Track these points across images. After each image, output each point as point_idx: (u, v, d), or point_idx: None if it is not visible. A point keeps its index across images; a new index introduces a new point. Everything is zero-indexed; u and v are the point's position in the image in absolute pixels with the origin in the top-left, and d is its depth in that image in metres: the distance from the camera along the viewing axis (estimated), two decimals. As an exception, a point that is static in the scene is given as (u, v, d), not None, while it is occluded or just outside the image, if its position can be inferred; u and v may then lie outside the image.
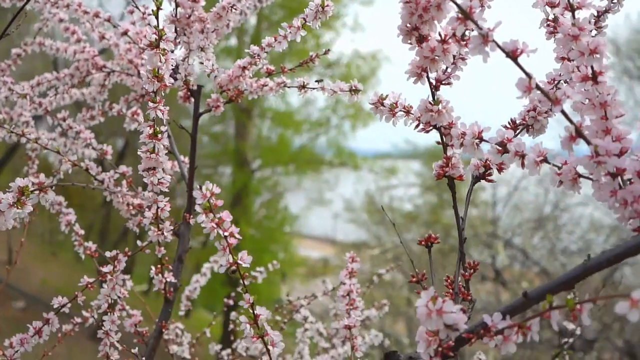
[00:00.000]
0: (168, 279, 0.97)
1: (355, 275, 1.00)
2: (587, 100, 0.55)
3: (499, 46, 0.50)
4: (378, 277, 1.68)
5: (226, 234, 0.62)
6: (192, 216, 0.99)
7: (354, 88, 0.84)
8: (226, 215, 0.63)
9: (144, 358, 0.94)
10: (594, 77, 0.54)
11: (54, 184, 0.70)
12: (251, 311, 0.65)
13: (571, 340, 1.10)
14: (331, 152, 11.63)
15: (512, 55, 0.51)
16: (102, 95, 1.20)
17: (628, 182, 0.53)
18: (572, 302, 0.45)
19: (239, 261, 0.63)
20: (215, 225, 0.62)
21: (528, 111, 0.69)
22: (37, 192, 0.66)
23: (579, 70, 0.55)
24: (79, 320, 1.13)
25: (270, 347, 0.65)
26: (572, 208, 7.54)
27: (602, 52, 0.53)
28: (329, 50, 1.00)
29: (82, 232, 1.10)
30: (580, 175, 0.55)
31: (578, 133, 0.52)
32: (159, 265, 0.96)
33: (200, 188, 0.61)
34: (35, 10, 1.25)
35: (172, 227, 0.92)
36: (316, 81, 0.88)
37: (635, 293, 0.40)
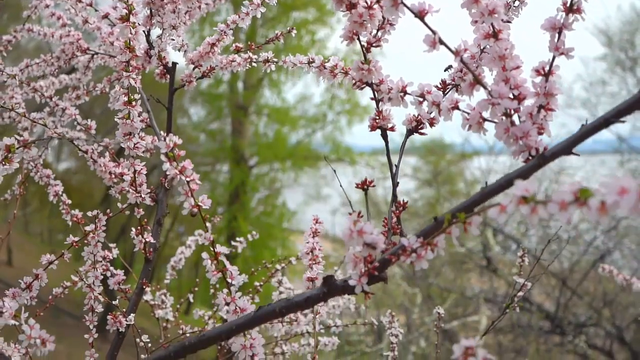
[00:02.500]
0: (147, 240, 1.06)
1: (319, 235, 1.09)
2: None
3: (407, 7, 0.60)
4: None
5: (188, 179, 0.71)
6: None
7: (310, 60, 0.93)
8: (188, 164, 0.72)
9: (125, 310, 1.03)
10: (495, 35, 0.63)
11: (36, 140, 0.79)
12: (212, 249, 0.74)
13: (521, 294, 1.19)
14: (328, 148, 11.72)
15: (420, 15, 0.60)
16: (87, 76, 1.29)
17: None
18: (463, 215, 0.54)
19: (199, 203, 0.72)
20: (178, 172, 0.71)
21: (456, 72, 0.78)
22: (21, 148, 0.75)
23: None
24: (68, 283, 1.23)
25: (229, 280, 0.74)
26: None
27: (500, 12, 0.62)
28: (293, 28, 1.09)
29: (69, 201, 1.19)
30: (484, 119, 0.64)
31: (476, 80, 0.61)
32: (138, 227, 1.06)
33: (165, 140, 0.70)
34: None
35: (149, 190, 1.01)
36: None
37: (504, 199, 0.49)
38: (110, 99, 1.29)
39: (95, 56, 1.29)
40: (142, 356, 1.03)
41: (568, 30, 0.61)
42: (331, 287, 0.66)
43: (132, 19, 0.81)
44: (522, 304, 1.18)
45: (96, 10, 1.19)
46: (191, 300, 1.49)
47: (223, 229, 10.42)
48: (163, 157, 0.71)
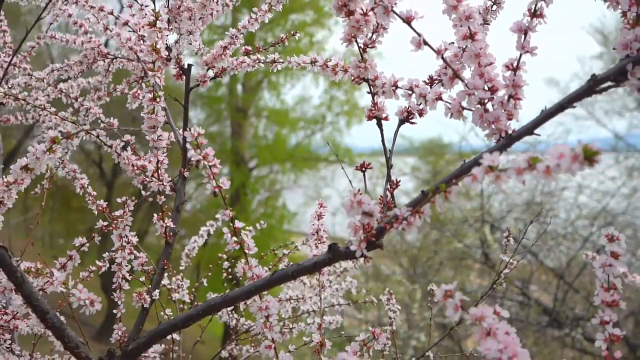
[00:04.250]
0: (168, 224, 1.18)
1: (323, 217, 1.21)
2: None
3: (397, 14, 0.71)
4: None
5: (211, 164, 0.83)
6: (187, 170, 1.19)
7: (313, 60, 1.04)
8: (210, 151, 0.84)
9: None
10: (471, 36, 0.75)
11: (79, 131, 0.91)
12: (231, 224, 0.86)
13: (507, 271, 1.30)
14: (327, 149, 11.83)
15: (407, 20, 0.71)
16: (107, 78, 1.40)
17: (497, 111, 0.74)
18: (444, 186, 0.66)
19: (220, 184, 0.84)
20: (202, 158, 0.83)
21: (441, 69, 0.89)
22: (65, 139, 0.87)
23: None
24: (93, 268, 1.34)
25: (246, 251, 0.86)
26: (560, 194, 7.78)
27: (475, 17, 0.74)
28: (296, 32, 1.21)
29: (94, 193, 1.30)
30: (463, 108, 0.75)
31: (455, 75, 0.73)
32: (160, 213, 1.17)
33: (190, 129, 0.82)
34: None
35: (170, 179, 1.12)
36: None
37: (475, 170, 0.60)
38: (129, 100, 1.41)
39: (114, 60, 1.41)
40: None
41: (532, 32, 0.72)
42: (335, 253, 0.78)
43: (158, 24, 0.92)
44: (508, 280, 1.29)
45: (117, 18, 1.31)
46: (205, 284, 1.60)
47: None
48: (188, 145, 0.82)
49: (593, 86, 0.65)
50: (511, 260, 1.30)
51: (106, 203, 1.26)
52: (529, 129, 0.68)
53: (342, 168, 1.01)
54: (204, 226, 1.67)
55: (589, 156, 0.48)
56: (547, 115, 0.67)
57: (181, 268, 1.60)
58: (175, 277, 1.50)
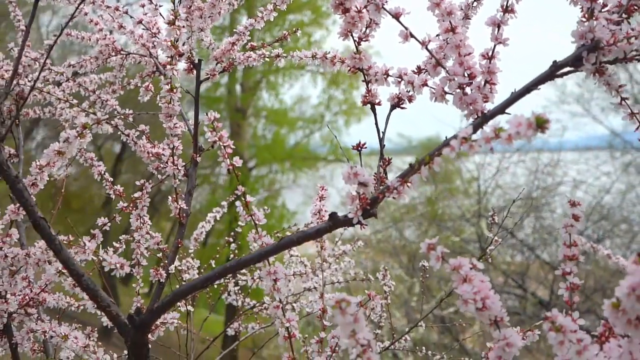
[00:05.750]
0: (182, 206, 1.29)
1: (325, 199, 1.32)
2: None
3: (387, 11, 0.82)
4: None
5: (225, 144, 0.94)
6: (198, 156, 1.30)
7: (314, 54, 1.15)
8: (224, 133, 0.94)
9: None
10: (452, 29, 0.86)
11: (102, 119, 1.01)
12: (244, 199, 0.97)
13: (492, 248, 1.41)
14: (326, 149, 11.95)
15: (396, 16, 0.82)
16: (121, 73, 1.51)
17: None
18: (429, 157, 0.77)
19: (234, 162, 0.95)
20: (217, 139, 0.94)
21: (427, 59, 1.00)
22: (95, 125, 0.98)
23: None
24: (111, 249, 1.45)
25: (257, 222, 0.97)
26: (556, 188, 7.92)
27: (456, 13, 0.85)
28: (297, 29, 1.32)
29: (111, 179, 1.41)
30: (445, 92, 0.86)
31: (437, 63, 0.84)
32: (174, 195, 1.28)
33: (207, 114, 0.93)
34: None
35: (184, 164, 1.23)
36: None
37: (452, 141, 0.71)
38: (141, 93, 1.52)
39: (128, 55, 1.52)
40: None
41: (505, 25, 0.83)
42: (335, 221, 0.88)
43: (177, 22, 1.03)
44: (493, 256, 1.40)
45: (131, 17, 1.41)
46: (213, 266, 1.71)
47: (224, 231, 10.66)
48: (205, 128, 0.93)
49: (554, 71, 0.76)
50: (496, 238, 1.41)
51: (122, 188, 1.37)
52: (501, 109, 0.79)
53: (344, 154, 1.11)
54: (210, 212, 1.78)
55: (540, 124, 0.59)
56: (516, 96, 0.78)
57: (190, 251, 1.71)
58: (186, 259, 1.62)
